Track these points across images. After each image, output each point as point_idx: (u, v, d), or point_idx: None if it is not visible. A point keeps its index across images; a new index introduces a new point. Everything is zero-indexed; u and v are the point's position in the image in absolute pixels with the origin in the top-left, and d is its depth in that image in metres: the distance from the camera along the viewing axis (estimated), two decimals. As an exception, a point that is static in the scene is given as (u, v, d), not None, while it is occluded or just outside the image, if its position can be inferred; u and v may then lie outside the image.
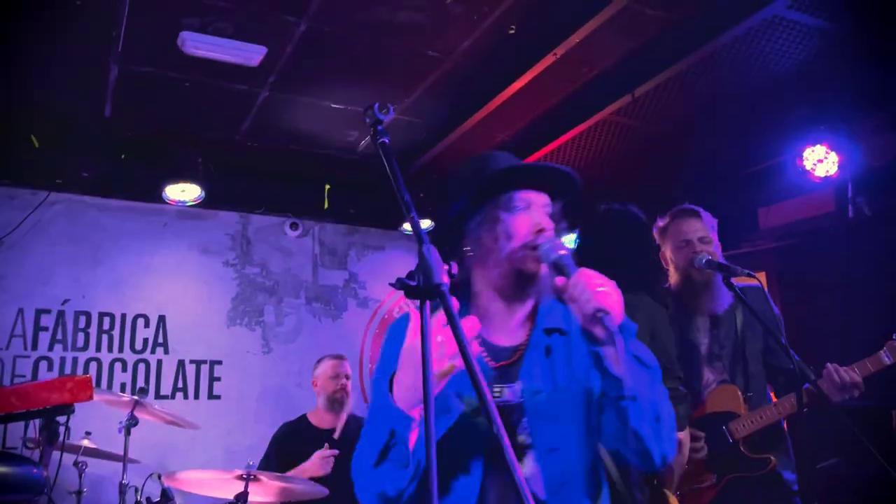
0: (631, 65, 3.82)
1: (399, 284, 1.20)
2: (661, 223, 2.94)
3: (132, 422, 3.39)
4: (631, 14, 3.30)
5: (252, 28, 3.59)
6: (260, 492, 3.37)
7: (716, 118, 4.33)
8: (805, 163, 4.25)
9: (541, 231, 1.59)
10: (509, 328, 1.66)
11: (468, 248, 1.64)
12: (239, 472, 3.23)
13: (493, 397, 1.55)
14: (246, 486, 3.22)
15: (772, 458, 2.67)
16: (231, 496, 3.24)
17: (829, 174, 4.23)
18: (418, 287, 1.19)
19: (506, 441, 1.02)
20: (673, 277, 2.89)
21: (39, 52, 3.72)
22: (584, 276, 1.45)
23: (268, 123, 4.53)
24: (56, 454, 3.20)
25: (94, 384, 2.63)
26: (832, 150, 4.17)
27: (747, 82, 3.93)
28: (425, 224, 5.38)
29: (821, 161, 4.21)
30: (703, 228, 2.86)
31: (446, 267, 1.21)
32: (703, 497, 2.68)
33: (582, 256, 2.72)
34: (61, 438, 3.47)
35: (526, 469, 1.52)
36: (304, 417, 4.33)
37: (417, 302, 1.19)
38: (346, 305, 5.36)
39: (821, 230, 4.68)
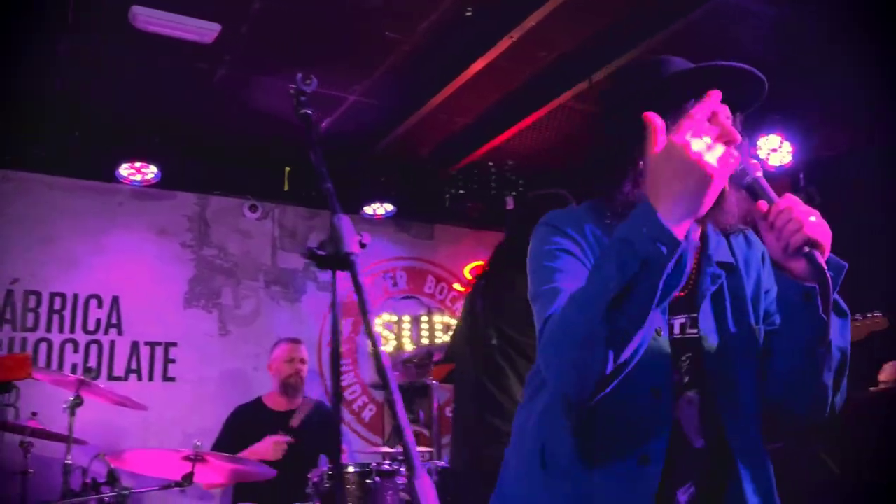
0: (588, 50, 3.83)
1: (309, 254, 1.18)
2: None
3: (77, 402, 3.34)
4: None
5: (206, 5, 3.54)
6: (207, 472, 3.35)
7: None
8: (759, 152, 4.30)
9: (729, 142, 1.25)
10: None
11: (639, 170, 1.36)
12: (185, 451, 3.20)
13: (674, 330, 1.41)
14: (192, 467, 3.19)
15: None
16: (178, 477, 3.21)
17: (782, 164, 4.30)
18: (328, 256, 1.18)
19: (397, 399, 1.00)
20: None
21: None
22: (793, 203, 1.25)
23: (226, 103, 4.47)
24: (-2, 433, 3.16)
25: (32, 362, 2.60)
26: (786, 139, 4.23)
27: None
28: (385, 209, 5.37)
29: (775, 150, 4.27)
30: None
31: (357, 237, 1.19)
32: None
33: (512, 246, 2.74)
34: (2, 416, 3.43)
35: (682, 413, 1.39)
36: (259, 400, 4.31)
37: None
38: (305, 289, 5.33)
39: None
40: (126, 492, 3.12)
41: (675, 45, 3.68)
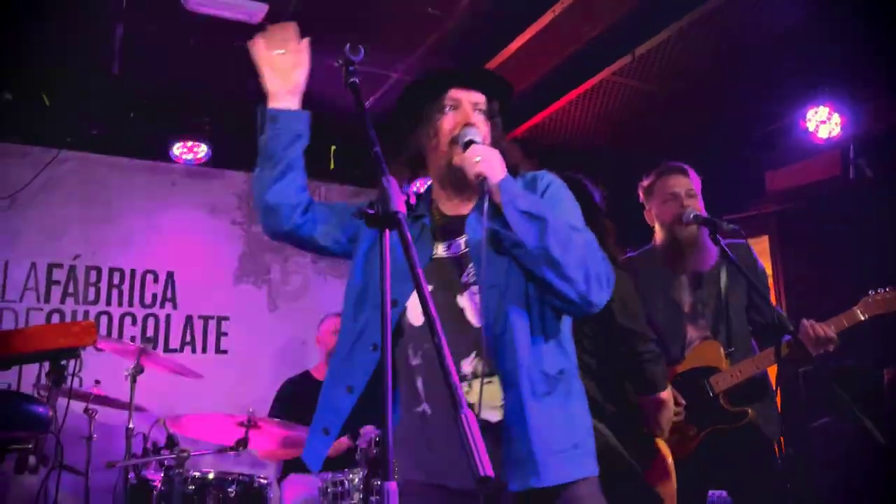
0: (632, 23, 3.81)
1: (359, 213, 1.26)
2: (645, 182, 2.95)
3: (138, 370, 3.51)
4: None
5: (254, -15, 3.63)
6: (260, 439, 3.49)
7: (719, 79, 4.31)
8: (808, 124, 4.24)
9: (465, 125, 1.79)
10: (460, 207, 1.88)
11: (419, 148, 1.88)
12: (240, 417, 3.34)
13: (443, 251, 1.83)
14: (246, 433, 3.33)
15: (749, 411, 2.72)
16: (232, 442, 3.35)
17: (832, 136, 4.22)
18: (377, 215, 1.25)
19: (446, 351, 1.09)
20: (658, 235, 2.90)
21: (47, 8, 3.78)
22: (470, 151, 1.71)
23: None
24: (63, 400, 3.33)
25: (97, 330, 2.74)
26: (835, 111, 4.16)
27: (749, 42, 3.91)
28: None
29: (824, 122, 4.20)
30: (689, 183, 2.86)
31: (404, 197, 1.26)
32: (684, 448, 2.74)
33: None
34: (68, 383, 3.60)
35: (465, 300, 1.77)
36: (307, 373, 4.44)
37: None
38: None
39: (826, 193, 4.67)
40: (185, 454, 3.28)
41: (715, 18, 3.65)
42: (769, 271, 4.96)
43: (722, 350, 2.76)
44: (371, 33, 4.03)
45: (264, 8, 3.75)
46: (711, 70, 4.16)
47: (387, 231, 1.25)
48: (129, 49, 4.18)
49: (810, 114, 4.20)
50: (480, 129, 1.80)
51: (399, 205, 1.24)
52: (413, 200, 1.25)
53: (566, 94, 4.55)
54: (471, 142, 1.73)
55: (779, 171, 5.00)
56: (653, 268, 2.87)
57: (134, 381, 3.51)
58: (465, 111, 1.82)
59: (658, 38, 3.85)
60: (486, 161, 1.69)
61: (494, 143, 1.82)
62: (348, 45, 1.51)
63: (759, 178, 5.02)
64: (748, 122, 4.77)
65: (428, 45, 4.14)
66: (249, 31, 3.89)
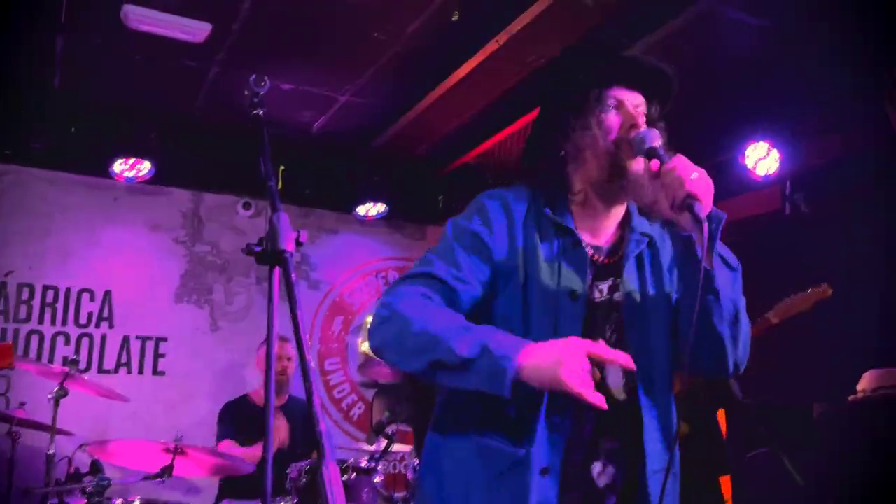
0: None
1: (248, 250, 1.23)
2: None
3: (61, 392, 3.40)
4: (570, 4, 3.34)
5: (197, 4, 3.59)
6: (188, 465, 3.39)
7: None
8: (747, 160, 4.31)
9: (633, 126, 1.54)
10: (605, 228, 1.63)
11: (563, 151, 1.61)
12: (166, 444, 3.25)
13: (595, 294, 1.57)
14: (172, 460, 3.23)
15: (683, 423, 2.74)
16: (158, 469, 3.25)
17: (769, 172, 4.30)
18: (265, 252, 1.22)
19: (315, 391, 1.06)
20: None
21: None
22: (679, 162, 1.43)
23: (219, 101, 4.52)
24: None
25: (14, 353, 2.65)
26: (774, 147, 4.24)
27: (692, 77, 3.97)
28: (378, 209, 5.41)
29: (762, 159, 4.28)
30: None
31: (294, 234, 1.23)
32: None
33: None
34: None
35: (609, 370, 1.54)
36: (245, 397, 4.36)
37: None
38: (296, 287, 5.36)
39: (764, 227, 4.76)
40: (106, 482, 3.16)
41: (662, 49, 3.71)
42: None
43: None
44: (318, 55, 4.02)
45: (207, 28, 3.72)
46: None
47: (276, 269, 1.22)
48: (71, 62, 4.10)
49: (749, 150, 4.28)
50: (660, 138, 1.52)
51: (288, 243, 1.22)
52: (304, 239, 1.18)
53: (514, 121, 4.58)
54: (654, 150, 1.47)
55: (719, 204, 5.09)
56: None
57: (57, 404, 3.39)
58: (630, 113, 1.56)
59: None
60: (703, 181, 1.40)
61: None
62: (253, 77, 1.48)
63: (701, 212, 5.10)
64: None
65: (376, 68, 4.14)
66: (195, 49, 3.91)
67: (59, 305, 4.68)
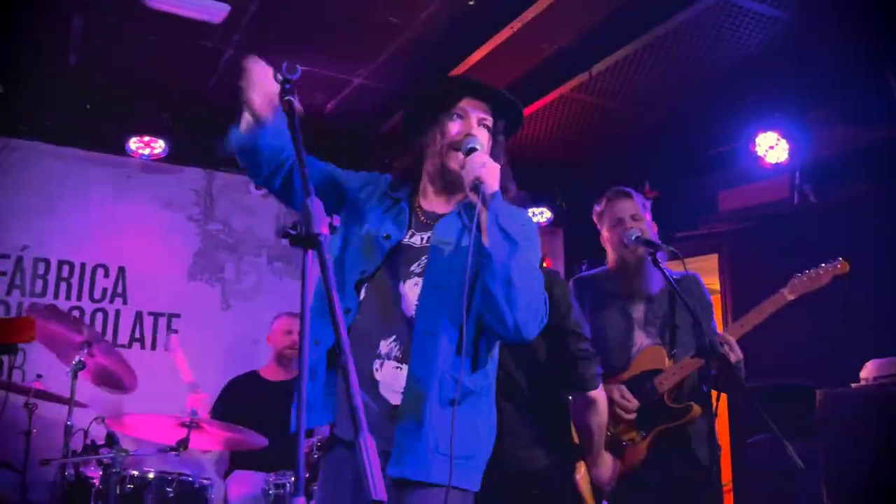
0: (589, 42, 3.89)
1: (282, 233, 1.29)
2: (597, 208, 3.07)
3: (79, 365, 3.47)
4: (585, -8, 3.37)
5: (216, -15, 3.62)
6: (203, 439, 3.48)
7: (676, 98, 4.41)
8: (757, 149, 4.35)
9: (468, 135, 1.92)
10: (442, 203, 2.02)
11: (421, 145, 2.03)
12: (182, 418, 3.33)
13: (407, 238, 1.96)
14: (188, 433, 3.32)
15: (693, 405, 2.80)
16: (174, 442, 3.33)
17: (779, 161, 4.34)
18: (299, 236, 1.28)
19: (353, 375, 1.13)
20: (610, 259, 3.01)
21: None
22: (474, 156, 1.84)
23: (234, 82, 4.55)
24: (1, 393, 3.30)
25: (35, 327, 2.72)
26: (783, 137, 4.27)
27: (705, 65, 4.01)
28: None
29: (772, 148, 4.32)
30: (634, 207, 2.98)
31: (328, 219, 1.29)
32: (637, 453, 2.82)
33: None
34: (4, 377, 3.56)
35: (407, 288, 1.90)
36: (254, 373, 4.44)
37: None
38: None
39: (772, 215, 4.80)
40: (123, 454, 3.25)
41: (674, 38, 3.74)
42: (717, 287, 5.09)
43: (665, 353, 2.85)
44: (334, 37, 4.05)
45: (226, 8, 3.75)
46: (669, 89, 4.27)
47: (309, 251, 1.28)
48: (88, 41, 4.13)
49: (760, 139, 4.31)
50: (483, 143, 1.93)
51: (322, 227, 1.27)
52: (337, 223, 1.28)
53: (524, 108, 4.60)
54: (473, 149, 1.87)
55: (731, 191, 5.13)
56: (606, 287, 2.99)
57: (75, 377, 3.47)
58: (471, 122, 1.96)
59: (615, 57, 3.93)
60: (488, 169, 1.81)
61: (493, 160, 1.90)
62: (285, 64, 1.53)
63: (713, 198, 5.14)
64: (704, 142, 4.88)
65: (389, 53, 4.17)
66: (212, 29, 3.94)
67: (74, 280, 4.75)
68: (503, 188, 1.84)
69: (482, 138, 1.94)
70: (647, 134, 4.87)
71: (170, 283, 5.01)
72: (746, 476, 4.36)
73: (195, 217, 5.17)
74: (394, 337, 1.87)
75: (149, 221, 5.01)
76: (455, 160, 1.92)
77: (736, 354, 2.74)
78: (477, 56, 4.01)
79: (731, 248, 5.15)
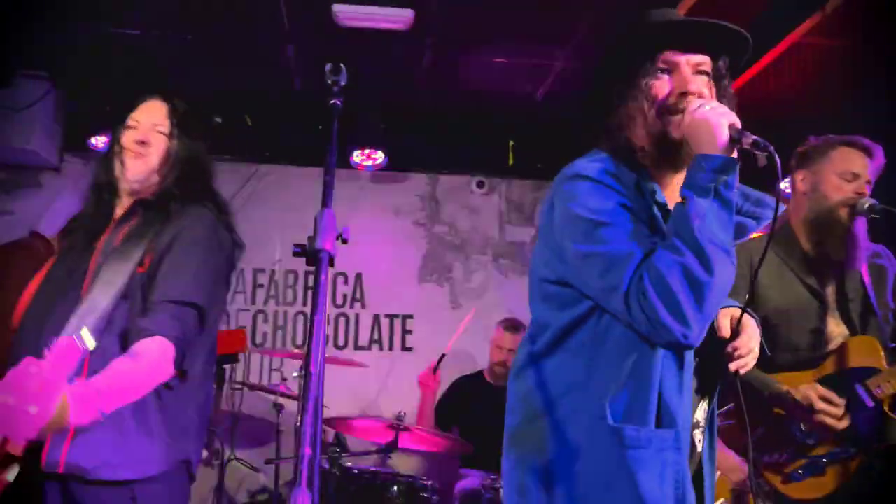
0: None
1: (293, 251, 1.19)
2: (814, 142, 2.48)
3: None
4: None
5: (396, -7, 3.67)
6: (411, 441, 3.53)
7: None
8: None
9: (684, 94, 1.51)
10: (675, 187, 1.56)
11: (615, 120, 1.59)
12: (388, 421, 3.41)
13: None
14: (395, 435, 3.39)
15: None
16: (384, 443, 3.44)
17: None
18: (304, 250, 1.17)
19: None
20: (811, 210, 2.43)
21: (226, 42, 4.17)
22: (694, 105, 1.48)
23: (440, 85, 4.61)
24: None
25: (247, 338, 2.98)
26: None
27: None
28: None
29: None
30: (870, 166, 2.40)
31: (337, 233, 1.16)
32: (826, 479, 2.25)
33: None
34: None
35: None
36: (480, 373, 4.43)
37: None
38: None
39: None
40: (343, 452, 3.42)
41: None
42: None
43: (880, 346, 2.25)
44: (521, 27, 3.88)
45: (410, 14, 3.78)
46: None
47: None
48: (303, 66, 4.45)
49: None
50: (706, 99, 1.50)
51: (326, 242, 1.15)
52: (348, 236, 1.12)
53: (756, 61, 4.00)
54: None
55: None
56: (789, 247, 2.44)
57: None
58: (683, 75, 1.52)
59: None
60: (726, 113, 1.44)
61: None
62: (329, 66, 1.43)
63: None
64: None
65: (584, 30, 3.89)
66: (404, 37, 4.00)
67: (319, 289, 5.16)
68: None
69: (703, 91, 1.52)
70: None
71: (402, 286, 5.23)
72: None
73: (421, 221, 5.34)
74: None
75: (380, 229, 5.27)
76: (675, 132, 1.50)
77: None
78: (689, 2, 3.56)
79: None
